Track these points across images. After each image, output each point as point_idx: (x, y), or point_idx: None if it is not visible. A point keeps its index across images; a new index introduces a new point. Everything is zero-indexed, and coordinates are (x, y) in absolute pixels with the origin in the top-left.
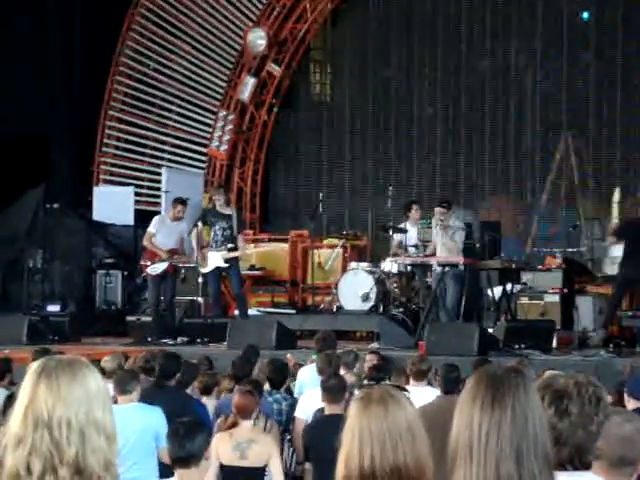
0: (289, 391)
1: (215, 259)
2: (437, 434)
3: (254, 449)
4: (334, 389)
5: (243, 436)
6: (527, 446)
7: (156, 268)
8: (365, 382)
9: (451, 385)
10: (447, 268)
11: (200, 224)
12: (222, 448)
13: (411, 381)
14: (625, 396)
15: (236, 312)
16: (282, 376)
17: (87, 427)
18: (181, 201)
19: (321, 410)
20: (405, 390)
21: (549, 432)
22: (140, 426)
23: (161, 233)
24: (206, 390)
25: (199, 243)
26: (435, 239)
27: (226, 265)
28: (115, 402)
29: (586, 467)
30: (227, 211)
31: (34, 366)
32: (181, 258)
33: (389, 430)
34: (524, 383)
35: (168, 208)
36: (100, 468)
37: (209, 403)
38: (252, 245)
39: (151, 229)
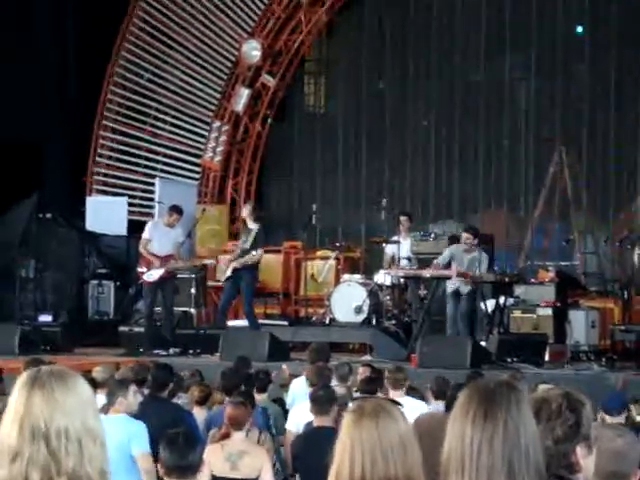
0: (282, 402)
1: (227, 270)
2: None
3: (245, 460)
4: (321, 400)
5: (235, 447)
6: (519, 461)
7: (151, 275)
8: (358, 394)
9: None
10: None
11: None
12: (214, 459)
13: (390, 391)
14: (601, 412)
15: (229, 323)
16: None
17: (83, 436)
18: (178, 210)
19: (308, 424)
20: (399, 404)
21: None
22: (117, 437)
23: (155, 239)
24: (203, 401)
25: (233, 255)
26: (456, 261)
27: (230, 274)
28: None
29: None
30: (251, 225)
31: (25, 377)
32: (177, 263)
33: (380, 443)
34: (517, 397)
35: (161, 219)
36: (96, 476)
37: (200, 414)
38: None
39: (146, 235)
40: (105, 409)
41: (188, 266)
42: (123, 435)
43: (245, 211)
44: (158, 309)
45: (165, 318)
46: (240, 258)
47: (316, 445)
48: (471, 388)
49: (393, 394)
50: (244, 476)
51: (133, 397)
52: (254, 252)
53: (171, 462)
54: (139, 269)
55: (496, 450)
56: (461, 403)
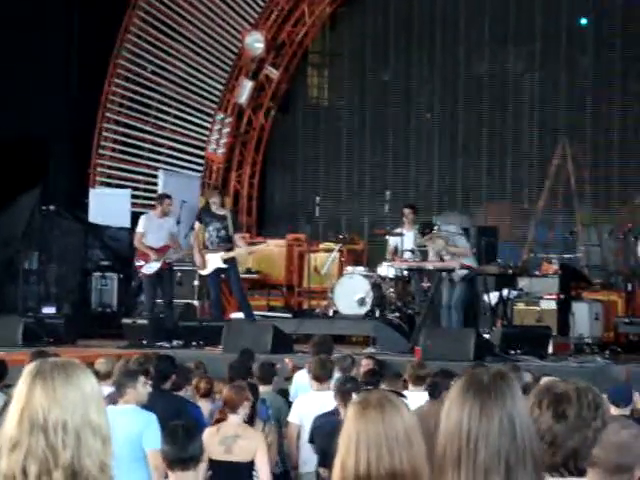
0: (286, 394)
1: (214, 260)
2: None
3: (240, 444)
4: (350, 392)
5: (230, 431)
6: (515, 454)
7: (150, 267)
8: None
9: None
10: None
11: (197, 224)
12: (210, 442)
13: (410, 386)
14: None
15: (232, 315)
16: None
17: (83, 429)
18: (167, 196)
19: (323, 416)
20: (402, 395)
21: (538, 435)
22: (126, 429)
23: (150, 232)
24: (206, 393)
25: (198, 244)
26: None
27: (225, 266)
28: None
29: (580, 473)
30: (221, 212)
31: (28, 369)
32: (173, 253)
33: (386, 435)
34: (510, 389)
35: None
36: (96, 470)
37: (205, 406)
38: (252, 248)
39: (140, 229)
40: (113, 399)
41: (184, 255)
42: (133, 427)
43: (216, 199)
44: (160, 301)
45: (165, 310)
46: (231, 248)
47: None
48: (465, 380)
49: (413, 389)
50: (238, 459)
51: (142, 387)
52: (244, 248)
53: (172, 454)
54: (137, 263)
55: (492, 445)
56: (456, 396)
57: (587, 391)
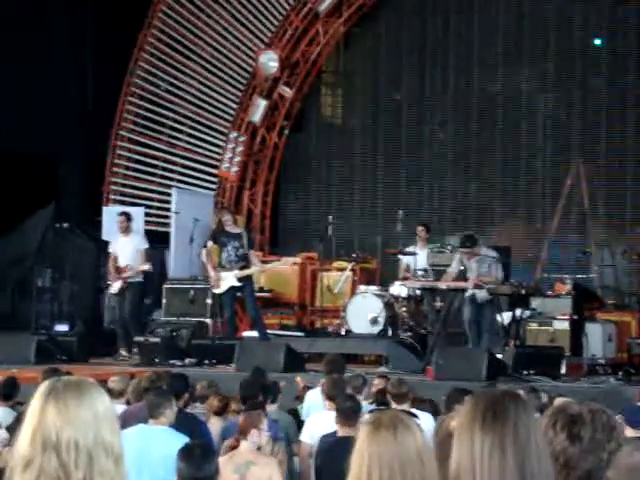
0: (297, 414)
1: (229, 279)
2: None
3: (254, 471)
4: (348, 411)
5: (243, 458)
6: (531, 465)
7: (114, 287)
8: (373, 406)
9: None
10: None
11: (210, 243)
12: (223, 470)
13: (392, 404)
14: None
15: (244, 334)
16: None
17: (95, 449)
18: (121, 213)
19: (327, 436)
20: (414, 416)
21: (552, 456)
22: (163, 451)
23: (118, 252)
24: (221, 411)
25: (212, 263)
26: (465, 269)
27: (240, 284)
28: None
29: None
30: (236, 230)
31: (42, 388)
32: (127, 273)
33: (398, 455)
34: (523, 404)
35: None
36: None
37: (216, 424)
38: (265, 266)
39: (110, 250)
40: (125, 418)
41: (136, 273)
42: (171, 449)
43: (230, 217)
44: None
45: (121, 327)
46: (246, 266)
47: (343, 455)
48: (476, 397)
49: (396, 407)
50: None
51: (174, 409)
52: (259, 265)
53: (187, 473)
54: (107, 282)
55: (508, 453)
56: (467, 411)
57: (601, 413)
